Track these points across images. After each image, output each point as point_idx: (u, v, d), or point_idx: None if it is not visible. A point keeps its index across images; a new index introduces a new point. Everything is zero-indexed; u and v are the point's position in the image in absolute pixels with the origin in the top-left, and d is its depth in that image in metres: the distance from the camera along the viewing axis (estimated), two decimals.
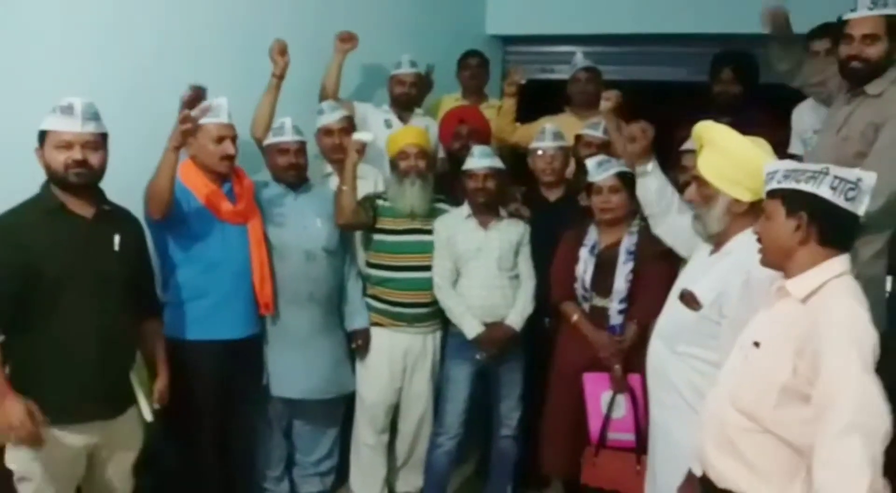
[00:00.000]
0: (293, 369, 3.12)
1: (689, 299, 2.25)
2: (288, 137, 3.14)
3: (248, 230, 2.94)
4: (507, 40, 5.37)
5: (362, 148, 3.06)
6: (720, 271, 2.21)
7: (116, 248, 2.38)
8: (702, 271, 2.30)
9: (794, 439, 1.74)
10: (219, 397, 2.88)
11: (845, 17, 2.65)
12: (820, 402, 1.65)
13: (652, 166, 2.66)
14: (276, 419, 3.27)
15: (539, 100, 4.28)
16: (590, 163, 3.04)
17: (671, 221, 2.64)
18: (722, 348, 2.12)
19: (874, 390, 1.61)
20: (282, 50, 3.29)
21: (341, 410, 3.40)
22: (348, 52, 3.75)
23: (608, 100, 2.94)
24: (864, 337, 1.67)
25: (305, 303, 3.13)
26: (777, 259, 1.84)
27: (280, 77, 3.30)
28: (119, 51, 2.92)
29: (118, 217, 2.45)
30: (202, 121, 2.78)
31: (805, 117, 3.35)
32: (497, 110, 4.21)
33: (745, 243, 2.16)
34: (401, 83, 3.96)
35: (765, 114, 3.48)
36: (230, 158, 2.85)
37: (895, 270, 2.79)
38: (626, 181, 2.93)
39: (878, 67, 2.61)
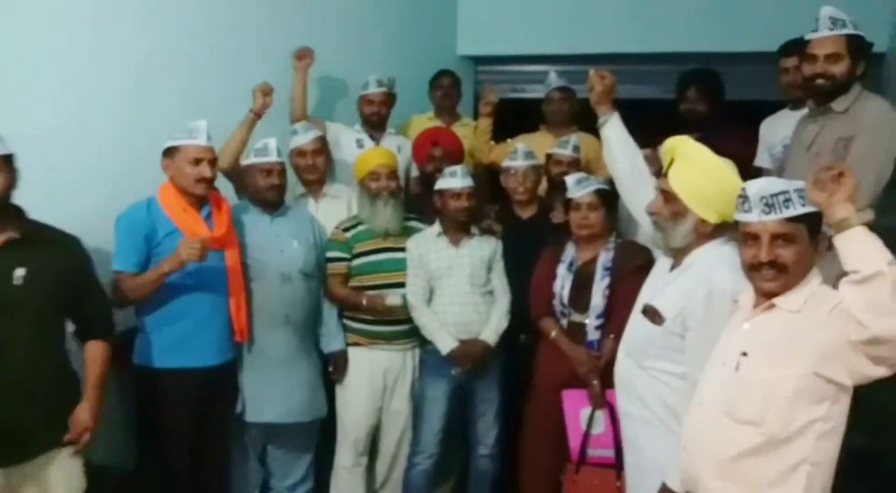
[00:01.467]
0: (269, 393, 3.08)
1: (652, 314, 2.25)
2: (272, 157, 3.12)
3: (226, 256, 2.89)
4: (478, 60, 5.42)
5: None
6: (682, 285, 2.22)
7: (17, 281, 2.18)
8: (663, 286, 2.30)
9: (803, 442, 1.75)
10: (194, 425, 2.82)
11: (808, 38, 2.72)
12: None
13: (608, 116, 2.65)
14: (251, 444, 3.21)
15: (510, 119, 4.32)
16: (569, 180, 3.07)
17: (637, 182, 2.60)
18: (689, 361, 2.14)
19: None
20: (266, 91, 3.29)
21: (316, 434, 3.36)
22: (309, 68, 3.76)
23: (603, 78, 2.68)
24: None
25: (281, 326, 3.09)
26: (799, 281, 1.83)
27: (258, 114, 3.29)
28: (99, 71, 2.88)
29: (34, 244, 2.23)
30: (181, 143, 2.76)
31: (773, 131, 3.41)
32: (473, 130, 4.24)
33: (705, 256, 2.19)
34: (370, 103, 3.97)
35: (733, 129, 3.53)
36: (206, 181, 2.81)
37: None
38: (605, 198, 2.96)
39: (843, 84, 2.68)
